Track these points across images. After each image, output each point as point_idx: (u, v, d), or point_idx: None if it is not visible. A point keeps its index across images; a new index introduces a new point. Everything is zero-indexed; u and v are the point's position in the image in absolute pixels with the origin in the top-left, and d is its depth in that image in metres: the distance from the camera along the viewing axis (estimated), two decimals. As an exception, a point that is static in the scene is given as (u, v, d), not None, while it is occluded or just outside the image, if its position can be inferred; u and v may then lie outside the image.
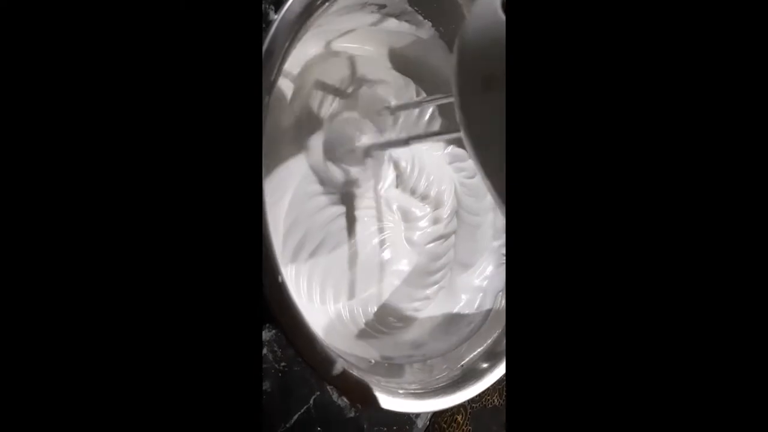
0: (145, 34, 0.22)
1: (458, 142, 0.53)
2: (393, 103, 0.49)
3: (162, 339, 0.22)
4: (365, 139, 0.47)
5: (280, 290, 0.33)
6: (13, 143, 0.21)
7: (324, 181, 0.45)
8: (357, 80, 0.47)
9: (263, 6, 0.46)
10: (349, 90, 0.46)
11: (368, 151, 0.47)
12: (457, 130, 0.29)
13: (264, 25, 0.46)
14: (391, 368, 0.44)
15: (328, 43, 0.45)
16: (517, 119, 0.22)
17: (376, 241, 0.48)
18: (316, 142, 0.44)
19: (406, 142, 0.48)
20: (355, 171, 0.46)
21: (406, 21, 0.47)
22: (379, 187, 0.48)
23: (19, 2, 0.21)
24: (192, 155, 0.22)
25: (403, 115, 0.49)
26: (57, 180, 0.21)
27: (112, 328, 0.21)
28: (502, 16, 0.26)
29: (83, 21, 0.22)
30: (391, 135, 0.49)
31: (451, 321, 0.51)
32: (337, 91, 0.45)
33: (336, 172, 0.45)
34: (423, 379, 0.44)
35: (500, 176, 0.25)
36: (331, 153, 0.45)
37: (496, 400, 0.59)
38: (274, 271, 0.33)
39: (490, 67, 0.26)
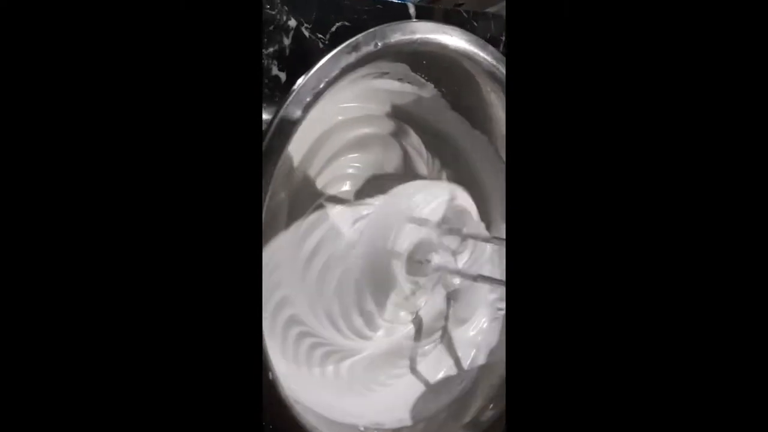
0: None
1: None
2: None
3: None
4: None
5: (272, 388, 0.33)
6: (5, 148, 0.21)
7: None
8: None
9: (266, 62, 0.45)
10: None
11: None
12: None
13: (266, 80, 0.45)
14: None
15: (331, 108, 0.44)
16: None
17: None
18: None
19: None
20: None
21: (409, 83, 0.46)
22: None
23: (19, 2, 0.21)
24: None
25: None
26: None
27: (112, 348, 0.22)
28: None
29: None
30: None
31: (444, 379, 0.51)
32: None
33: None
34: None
35: None
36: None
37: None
38: (266, 367, 0.33)
39: None
